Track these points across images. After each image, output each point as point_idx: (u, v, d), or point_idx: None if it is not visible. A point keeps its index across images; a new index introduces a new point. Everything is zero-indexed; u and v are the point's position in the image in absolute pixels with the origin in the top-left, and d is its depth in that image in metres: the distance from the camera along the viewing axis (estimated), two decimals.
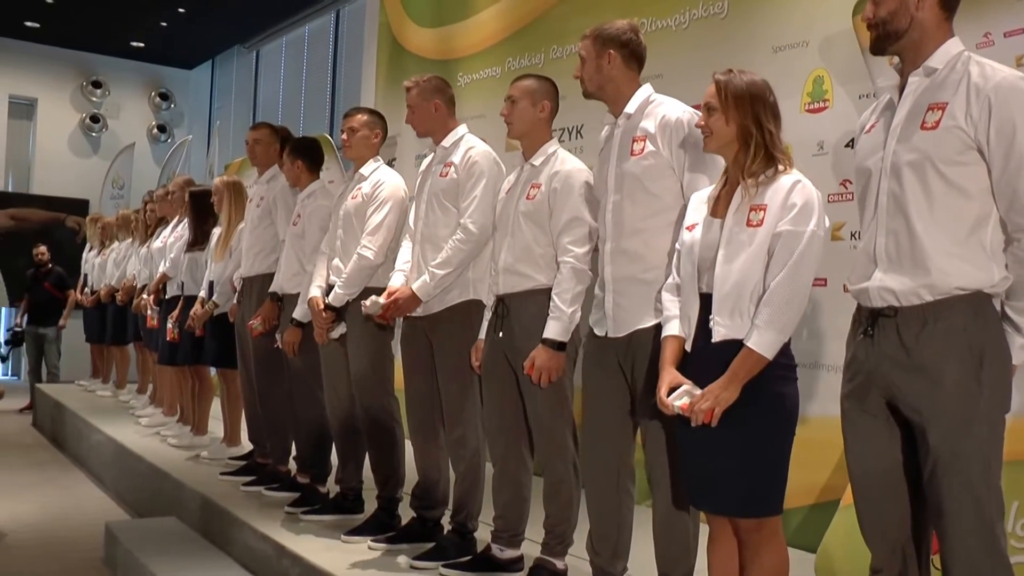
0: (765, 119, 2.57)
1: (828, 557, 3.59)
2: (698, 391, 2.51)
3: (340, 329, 4.20)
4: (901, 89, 2.38)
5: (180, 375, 6.70)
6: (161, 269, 6.78)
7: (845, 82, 4.18)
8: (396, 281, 3.82)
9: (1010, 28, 3.53)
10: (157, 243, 7.28)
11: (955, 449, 2.19)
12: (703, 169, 2.92)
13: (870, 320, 2.35)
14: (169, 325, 6.29)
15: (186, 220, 6.57)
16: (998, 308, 2.27)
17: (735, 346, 2.48)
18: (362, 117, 4.36)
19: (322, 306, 4.20)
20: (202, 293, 5.92)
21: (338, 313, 4.18)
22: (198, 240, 6.27)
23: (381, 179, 4.22)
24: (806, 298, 2.52)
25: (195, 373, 6.47)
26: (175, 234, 6.72)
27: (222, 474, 5.35)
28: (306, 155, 4.85)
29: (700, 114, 2.94)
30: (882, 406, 2.34)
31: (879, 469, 2.37)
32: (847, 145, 4.16)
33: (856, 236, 4.09)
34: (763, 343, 2.45)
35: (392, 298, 3.75)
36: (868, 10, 2.39)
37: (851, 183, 4.11)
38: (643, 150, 2.99)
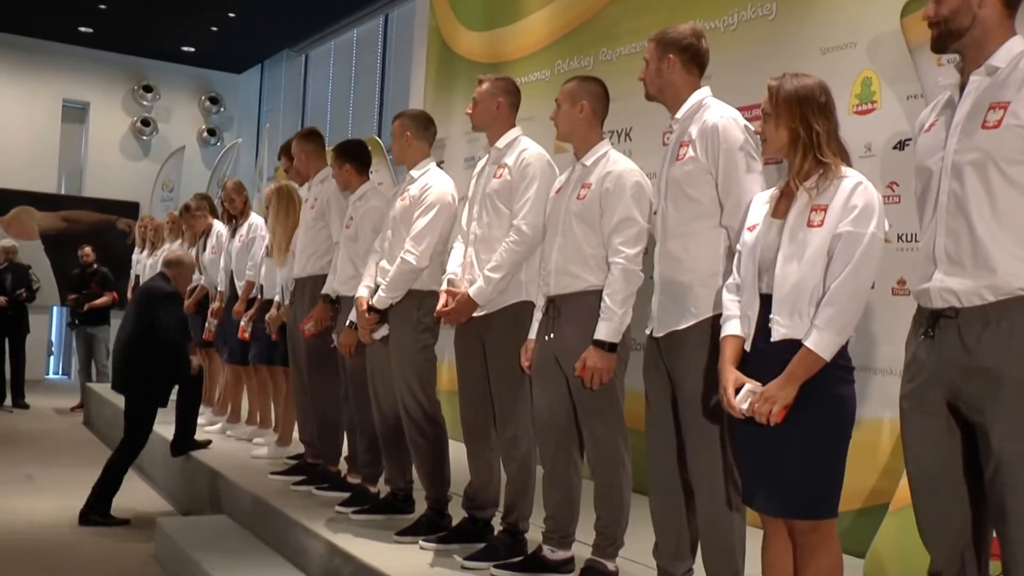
0: (815, 120, 2.58)
1: (878, 561, 3.57)
2: (761, 389, 2.53)
3: (383, 331, 4.23)
4: (962, 87, 2.36)
5: (246, 375, 6.83)
6: (248, 276, 6.67)
7: (893, 83, 4.15)
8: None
9: None
10: (207, 255, 7.29)
11: (1018, 450, 2.17)
12: (736, 176, 2.95)
13: (931, 321, 2.33)
14: (243, 323, 6.40)
15: (248, 224, 6.72)
16: None
17: (794, 346, 2.50)
18: (407, 120, 4.38)
19: (365, 307, 4.25)
20: (277, 297, 5.97)
21: (382, 315, 4.22)
22: None
23: (429, 182, 4.22)
24: (865, 299, 2.53)
25: (270, 373, 6.53)
26: (239, 239, 6.76)
27: (272, 473, 5.42)
28: (353, 158, 4.89)
29: (740, 119, 3.00)
30: (943, 407, 2.32)
31: (940, 471, 2.35)
32: (895, 147, 4.13)
33: (903, 239, 4.06)
34: (822, 344, 2.46)
35: (451, 299, 3.77)
36: (930, 8, 2.37)
37: (898, 185, 4.09)
38: (685, 155, 3.03)
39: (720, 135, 2.96)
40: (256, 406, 6.88)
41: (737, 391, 2.58)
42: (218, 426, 7.03)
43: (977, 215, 2.24)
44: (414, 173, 4.32)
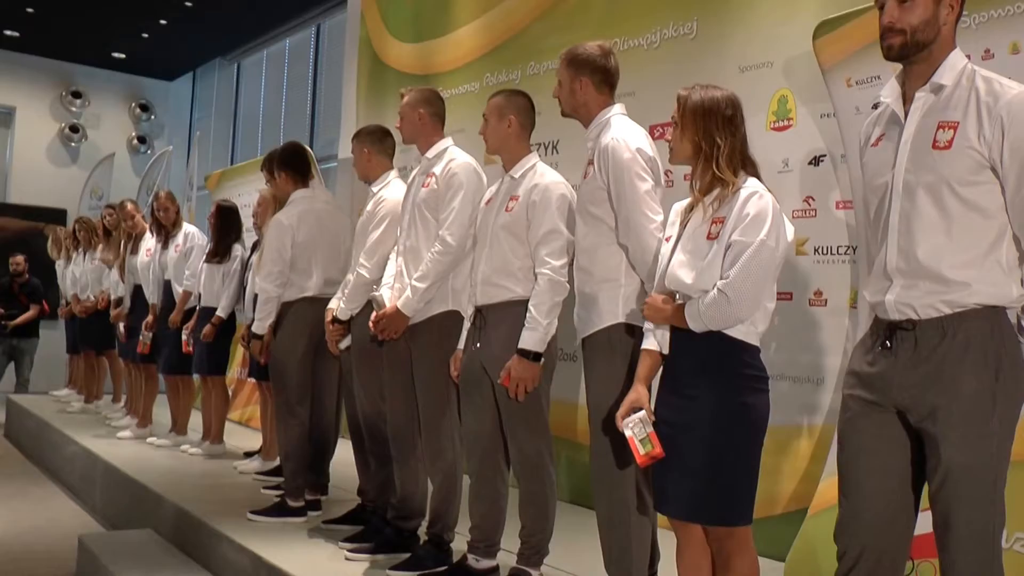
0: (718, 135, 2.62)
1: (797, 565, 3.66)
2: (650, 425, 2.61)
3: (346, 341, 4.32)
4: (904, 100, 2.35)
5: (188, 386, 6.84)
6: (181, 287, 6.70)
7: (808, 102, 4.27)
8: (384, 296, 3.88)
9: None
10: (141, 258, 7.23)
11: (968, 461, 2.19)
12: (622, 197, 3.03)
13: (888, 332, 2.33)
14: (184, 336, 6.34)
15: (184, 233, 6.76)
16: (1013, 322, 2.27)
17: (708, 342, 2.58)
18: (363, 138, 4.41)
19: (330, 318, 4.32)
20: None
21: (346, 326, 4.28)
22: (219, 253, 6.34)
23: (383, 196, 4.27)
24: (753, 305, 2.55)
25: (212, 383, 6.54)
26: (175, 248, 6.76)
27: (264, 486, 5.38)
28: (287, 164, 4.93)
29: (633, 139, 3.07)
30: (894, 416, 2.33)
31: (890, 480, 2.34)
32: (810, 163, 4.24)
33: (819, 251, 4.16)
34: (691, 320, 2.57)
35: (378, 316, 3.82)
36: (891, 12, 2.29)
37: (814, 199, 4.20)
38: (589, 173, 3.15)
39: (609, 156, 3.05)
40: (185, 415, 6.92)
41: (636, 410, 2.66)
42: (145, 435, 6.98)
43: (932, 234, 2.25)
44: (374, 188, 4.36)
